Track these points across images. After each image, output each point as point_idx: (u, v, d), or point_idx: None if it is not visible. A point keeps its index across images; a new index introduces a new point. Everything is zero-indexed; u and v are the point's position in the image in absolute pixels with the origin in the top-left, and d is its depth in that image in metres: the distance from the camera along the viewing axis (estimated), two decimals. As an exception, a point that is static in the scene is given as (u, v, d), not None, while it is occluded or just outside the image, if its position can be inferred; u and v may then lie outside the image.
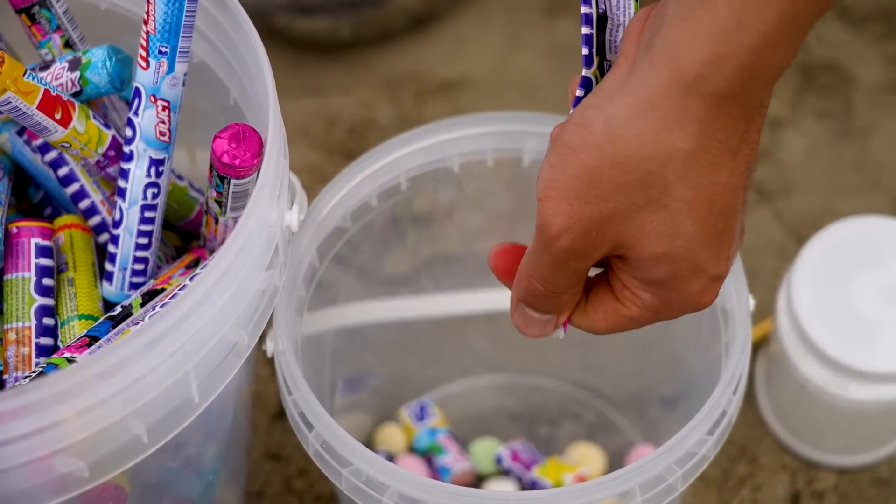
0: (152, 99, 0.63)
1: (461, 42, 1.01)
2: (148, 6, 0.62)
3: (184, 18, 0.62)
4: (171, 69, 0.63)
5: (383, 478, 0.62)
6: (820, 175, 0.94)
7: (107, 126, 0.66)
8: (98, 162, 0.66)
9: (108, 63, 0.65)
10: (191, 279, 0.62)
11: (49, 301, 0.65)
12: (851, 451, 0.81)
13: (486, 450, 0.82)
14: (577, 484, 0.63)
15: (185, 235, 0.73)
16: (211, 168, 0.63)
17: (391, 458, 0.80)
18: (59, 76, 0.66)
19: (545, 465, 0.80)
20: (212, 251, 0.68)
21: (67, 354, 0.60)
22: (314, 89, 0.99)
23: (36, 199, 0.72)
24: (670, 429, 0.80)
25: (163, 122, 0.64)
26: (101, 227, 0.68)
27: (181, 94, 0.64)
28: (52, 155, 0.68)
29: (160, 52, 0.62)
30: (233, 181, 0.63)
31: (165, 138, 0.64)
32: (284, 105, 0.97)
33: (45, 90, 0.62)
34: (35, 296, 0.65)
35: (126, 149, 0.65)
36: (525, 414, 0.84)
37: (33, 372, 0.61)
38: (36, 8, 0.66)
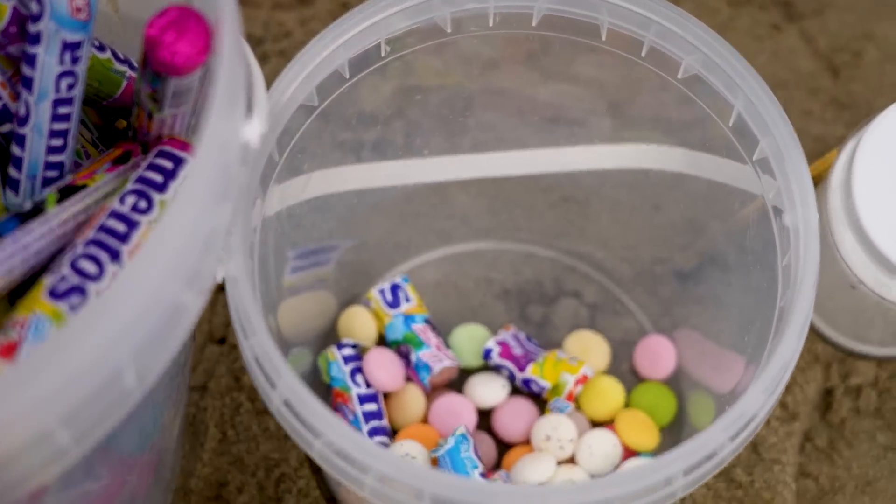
0: None
1: None
2: None
3: None
4: None
5: (363, 457, 0.52)
6: (857, -12, 0.84)
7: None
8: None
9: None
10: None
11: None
12: (894, 342, 0.73)
13: (471, 340, 0.73)
14: (615, 474, 0.54)
15: (106, 111, 0.60)
16: (143, 60, 0.50)
17: (359, 352, 0.70)
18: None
19: (542, 362, 0.70)
20: (144, 145, 0.56)
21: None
22: None
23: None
24: (685, 312, 0.73)
25: None
26: (3, 116, 0.55)
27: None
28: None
29: None
30: (172, 80, 0.50)
31: (83, 15, 0.52)
32: None
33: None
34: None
35: (32, 28, 0.52)
36: (515, 291, 0.76)
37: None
38: None
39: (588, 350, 0.73)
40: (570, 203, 0.74)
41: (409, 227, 0.74)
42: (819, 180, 0.71)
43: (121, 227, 0.51)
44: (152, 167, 0.53)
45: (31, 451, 0.44)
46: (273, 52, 0.80)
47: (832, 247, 0.68)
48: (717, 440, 0.53)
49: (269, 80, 0.59)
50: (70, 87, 0.52)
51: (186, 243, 0.47)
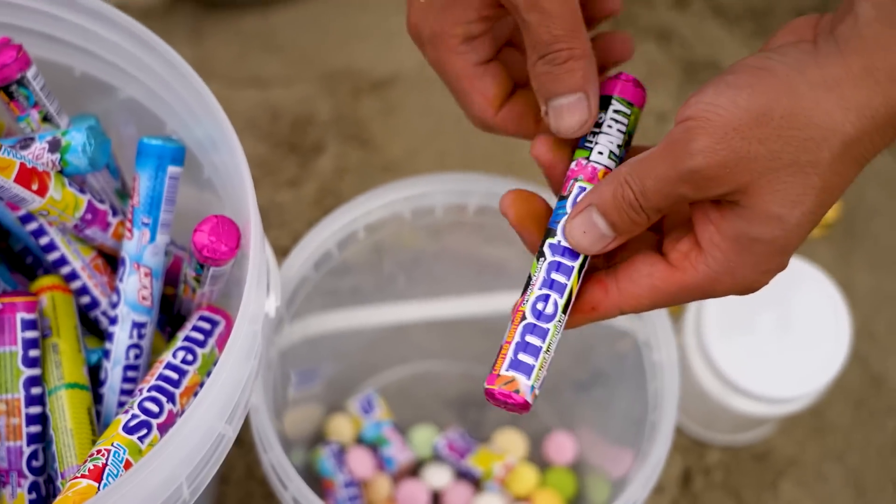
0: (135, 266, 0.54)
1: (379, 27, 0.89)
2: (134, 182, 0.54)
3: (164, 193, 0.54)
4: (152, 238, 0.54)
5: None
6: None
7: (82, 192, 0.55)
8: (76, 226, 0.55)
9: (87, 148, 0.54)
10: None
11: (36, 371, 0.55)
12: (735, 431, 0.75)
13: (424, 438, 0.74)
14: None
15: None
16: (190, 253, 0.53)
17: (342, 448, 0.72)
18: (40, 156, 0.54)
19: (477, 453, 0.72)
20: (187, 313, 0.58)
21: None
22: (259, 81, 0.88)
23: (17, 248, 0.61)
24: (582, 413, 0.75)
25: (145, 288, 0.55)
26: (82, 291, 0.58)
27: (163, 262, 0.55)
28: (32, 225, 0.57)
29: (143, 223, 0.54)
30: (212, 269, 0.53)
31: (147, 303, 0.55)
32: (231, 96, 0.86)
33: (21, 163, 0.52)
34: (22, 368, 0.54)
35: (111, 313, 0.56)
36: (456, 400, 0.77)
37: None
38: (14, 86, 0.55)
39: (510, 443, 0.74)
40: (496, 331, 0.75)
41: (377, 353, 0.75)
42: (675, 316, 0.75)
43: (174, 375, 0.53)
44: (196, 329, 0.56)
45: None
46: (275, 222, 0.82)
47: (688, 369, 0.70)
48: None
49: (273, 247, 0.58)
50: (137, 356, 0.56)
51: (226, 392, 0.49)
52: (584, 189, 0.45)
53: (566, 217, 0.45)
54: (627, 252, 0.46)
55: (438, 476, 0.72)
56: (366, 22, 0.90)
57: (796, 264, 0.69)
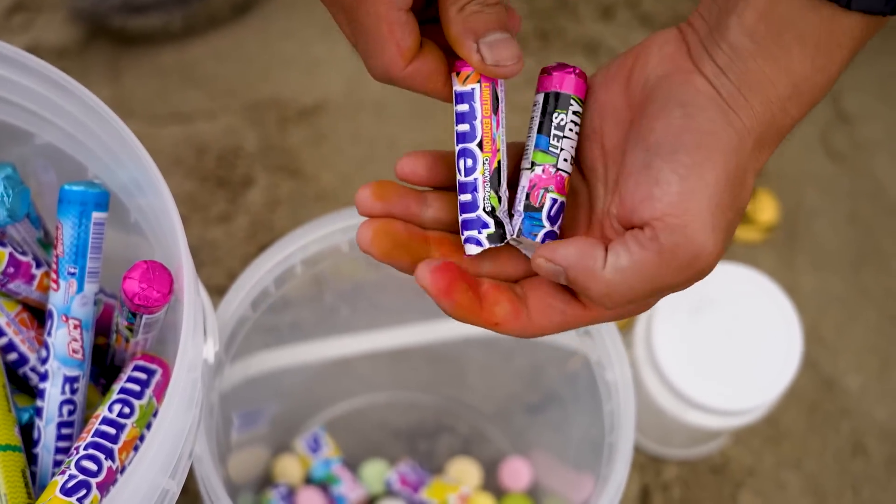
0: (63, 318, 0.52)
1: (303, 55, 0.88)
2: (57, 230, 0.52)
3: (90, 240, 0.52)
4: (80, 289, 0.52)
5: None
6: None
7: (2, 245, 0.53)
8: (-1, 281, 0.53)
9: (5, 199, 0.52)
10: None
11: (-35, 435, 0.52)
12: (691, 445, 0.75)
13: (375, 473, 0.73)
14: None
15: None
16: (121, 302, 0.51)
17: (291, 490, 0.70)
18: (-45, 210, 0.52)
19: (431, 486, 0.71)
20: (121, 363, 0.56)
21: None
22: (181, 117, 0.86)
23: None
24: (536, 437, 0.74)
25: (75, 341, 0.52)
26: (9, 347, 0.55)
27: (92, 313, 0.53)
28: (-49, 282, 0.54)
29: (69, 273, 0.52)
30: (144, 316, 0.51)
31: (79, 356, 0.53)
32: (154, 133, 0.84)
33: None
34: (-50, 433, 0.52)
35: (41, 368, 0.53)
36: (405, 430, 0.75)
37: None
38: (-78, 138, 0.52)
39: (464, 472, 0.73)
40: (441, 359, 0.74)
41: (322, 389, 0.74)
42: (624, 331, 0.74)
43: (111, 430, 0.51)
44: (131, 380, 0.53)
45: None
46: (208, 260, 0.80)
47: (641, 385, 0.69)
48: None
49: (207, 286, 0.57)
50: (70, 412, 0.53)
51: (168, 445, 0.47)
52: (556, 201, 0.44)
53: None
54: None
55: (392, 512, 0.71)
56: (289, 50, 0.88)
57: (743, 272, 0.68)
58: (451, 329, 0.71)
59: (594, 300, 0.42)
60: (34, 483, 0.54)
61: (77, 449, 0.50)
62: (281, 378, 0.70)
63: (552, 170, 0.44)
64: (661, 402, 0.68)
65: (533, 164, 0.44)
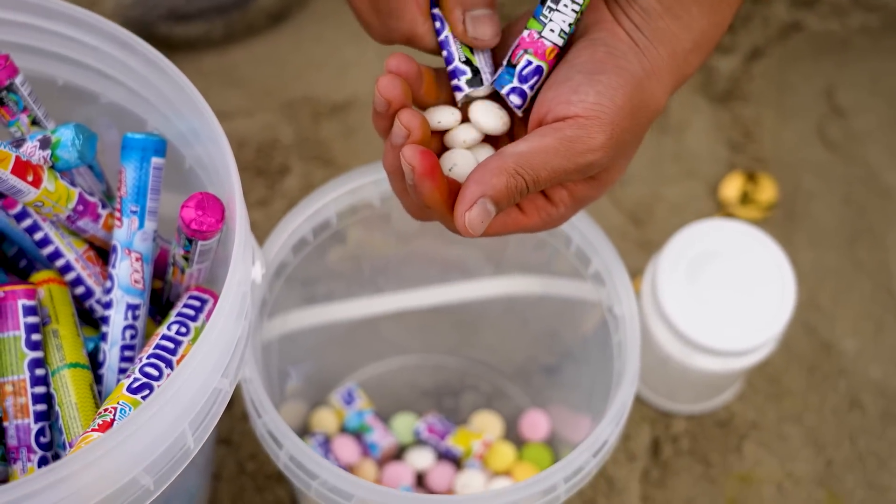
0: (126, 252, 0.59)
1: (334, 58, 0.95)
2: (120, 174, 0.58)
3: (150, 182, 0.59)
4: (141, 225, 0.59)
5: (348, 487, 0.58)
6: (647, 167, 0.92)
7: (73, 185, 0.59)
8: (69, 217, 0.59)
9: (76, 142, 0.58)
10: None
11: (39, 354, 0.58)
12: (698, 400, 0.80)
13: (405, 424, 0.78)
14: (504, 486, 0.60)
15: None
16: (179, 231, 0.57)
17: (327, 438, 0.76)
18: (32, 154, 0.58)
19: (456, 434, 0.76)
20: (177, 296, 0.62)
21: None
22: (222, 115, 0.92)
23: (10, 252, 0.65)
24: (553, 393, 0.79)
25: (137, 272, 0.59)
26: (77, 282, 0.62)
27: (152, 248, 0.59)
28: (27, 222, 0.61)
29: (131, 211, 0.59)
30: (199, 243, 0.57)
31: (139, 286, 0.59)
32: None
33: (17, 156, 0.56)
34: (26, 350, 0.58)
35: (105, 298, 0.60)
36: (432, 389, 0.81)
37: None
38: (3, 92, 0.59)
39: (487, 423, 0.78)
40: (465, 324, 0.80)
41: (353, 351, 0.79)
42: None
43: (170, 345, 0.57)
44: (187, 306, 0.59)
45: (124, 491, 0.49)
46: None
47: (649, 335, 0.75)
48: (584, 457, 0.59)
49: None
50: (132, 336, 0.59)
51: (221, 347, 0.53)
52: (531, 63, 0.50)
53: (460, 207, 0.49)
54: None
55: (421, 458, 0.76)
56: (321, 54, 0.95)
57: (740, 227, 0.74)
58: (471, 294, 0.77)
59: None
60: (100, 397, 0.60)
61: (140, 359, 0.56)
62: (315, 337, 0.76)
63: (536, 35, 0.51)
64: (669, 349, 0.73)
65: (526, 28, 0.51)
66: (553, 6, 0.51)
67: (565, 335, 0.76)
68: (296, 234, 0.66)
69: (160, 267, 0.64)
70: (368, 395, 0.79)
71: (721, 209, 0.89)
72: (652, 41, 0.51)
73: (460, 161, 0.51)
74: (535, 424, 0.78)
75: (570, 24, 0.51)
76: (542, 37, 0.51)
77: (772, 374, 0.82)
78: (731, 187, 0.89)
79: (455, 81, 0.52)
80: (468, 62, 0.51)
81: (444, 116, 0.52)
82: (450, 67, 0.52)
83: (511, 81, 0.51)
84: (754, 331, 0.71)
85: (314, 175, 0.89)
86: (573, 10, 0.51)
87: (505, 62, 0.52)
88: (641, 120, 0.51)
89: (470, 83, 0.51)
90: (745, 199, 0.89)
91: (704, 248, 0.73)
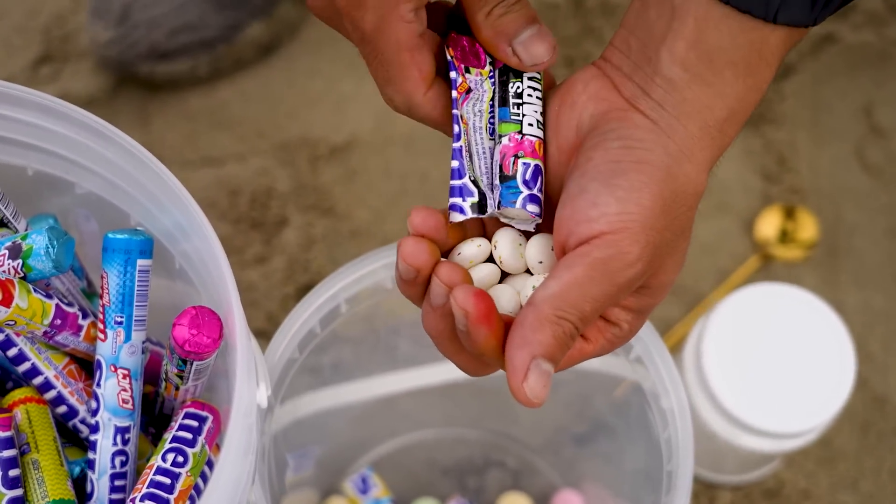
0: (112, 368, 0.51)
1: (330, 92, 0.87)
2: (102, 280, 0.51)
3: (136, 288, 0.51)
4: (128, 338, 0.52)
5: None
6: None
7: (48, 297, 0.52)
8: (45, 333, 0.53)
9: (50, 250, 0.51)
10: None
11: (18, 492, 0.51)
12: (744, 471, 0.73)
13: (426, 511, 0.72)
14: None
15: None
16: (171, 350, 0.50)
17: (342, 533, 0.69)
18: (1, 264, 0.51)
19: (483, 523, 0.70)
20: (170, 411, 0.56)
21: None
22: (212, 160, 0.85)
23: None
24: (585, 467, 0.73)
25: (125, 391, 0.52)
26: (58, 400, 0.55)
27: (141, 361, 0.52)
28: (-1, 337, 0.54)
29: (116, 322, 0.51)
30: (195, 363, 0.50)
31: (129, 406, 0.53)
32: (185, 178, 0.83)
33: (-17, 275, 0.49)
34: (3, 491, 0.51)
35: (92, 420, 0.53)
36: (454, 467, 0.75)
37: None
38: (-36, 192, 0.52)
39: None
40: (486, 392, 0.74)
41: (366, 428, 0.73)
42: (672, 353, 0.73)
43: (166, 480, 0.51)
44: (182, 427, 0.53)
45: None
46: (246, 303, 0.79)
47: (692, 409, 0.68)
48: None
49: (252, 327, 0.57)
50: (123, 463, 0.53)
51: (227, 494, 0.47)
52: (529, 164, 0.44)
53: (513, 380, 0.42)
54: None
55: (446, 551, 0.70)
56: (316, 88, 0.88)
57: (790, 291, 0.67)
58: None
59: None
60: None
61: (133, 501, 0.50)
62: (327, 419, 0.70)
63: (518, 136, 0.44)
64: (714, 427, 0.67)
65: (500, 136, 0.44)
66: (518, 101, 0.45)
67: (598, 400, 0.70)
68: (303, 327, 0.59)
69: (152, 372, 0.58)
70: (384, 479, 0.72)
71: (758, 250, 0.82)
72: (679, 118, 0.44)
73: (499, 295, 0.45)
74: (569, 505, 0.72)
75: (541, 113, 0.45)
76: (525, 134, 0.45)
77: (823, 436, 0.76)
78: (769, 226, 0.82)
79: (457, 200, 0.45)
80: (476, 182, 0.44)
81: (472, 252, 0.45)
82: (454, 182, 0.45)
83: (520, 192, 0.44)
84: (808, 412, 0.65)
85: (314, 227, 0.82)
86: (538, 97, 0.45)
87: (496, 180, 0.44)
88: (681, 211, 0.44)
89: (474, 208, 0.44)
90: (785, 237, 0.82)
91: (755, 317, 0.67)
